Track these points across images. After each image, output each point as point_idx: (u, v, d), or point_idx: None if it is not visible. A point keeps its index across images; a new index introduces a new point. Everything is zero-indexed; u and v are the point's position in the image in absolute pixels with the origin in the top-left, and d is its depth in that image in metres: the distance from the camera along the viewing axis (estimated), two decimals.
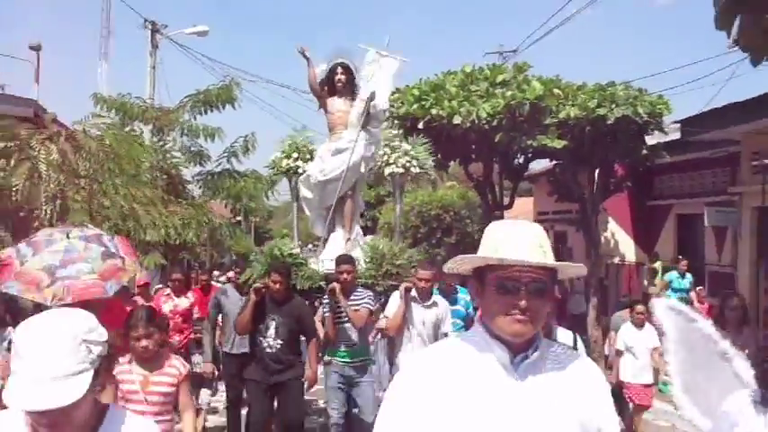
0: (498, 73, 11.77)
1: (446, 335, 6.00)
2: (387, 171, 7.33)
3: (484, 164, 13.43)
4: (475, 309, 7.38)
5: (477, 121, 10.76)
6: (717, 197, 12.53)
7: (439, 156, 11.41)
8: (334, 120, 7.04)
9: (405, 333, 5.99)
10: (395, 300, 6.06)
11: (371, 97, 6.77)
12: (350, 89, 7.03)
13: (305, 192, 7.26)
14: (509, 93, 10.68)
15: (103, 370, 1.82)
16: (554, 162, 12.94)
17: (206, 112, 12.86)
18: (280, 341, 5.72)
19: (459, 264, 1.87)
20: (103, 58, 22.43)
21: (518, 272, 1.72)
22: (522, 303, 1.70)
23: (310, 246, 8.27)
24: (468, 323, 7.27)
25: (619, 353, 7.64)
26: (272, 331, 5.73)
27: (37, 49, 16.04)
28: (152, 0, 61.81)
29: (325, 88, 7.08)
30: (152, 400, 3.94)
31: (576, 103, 10.73)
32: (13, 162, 5.20)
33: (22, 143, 5.35)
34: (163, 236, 7.55)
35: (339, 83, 6.97)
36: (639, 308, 7.68)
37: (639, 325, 7.54)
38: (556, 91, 11.07)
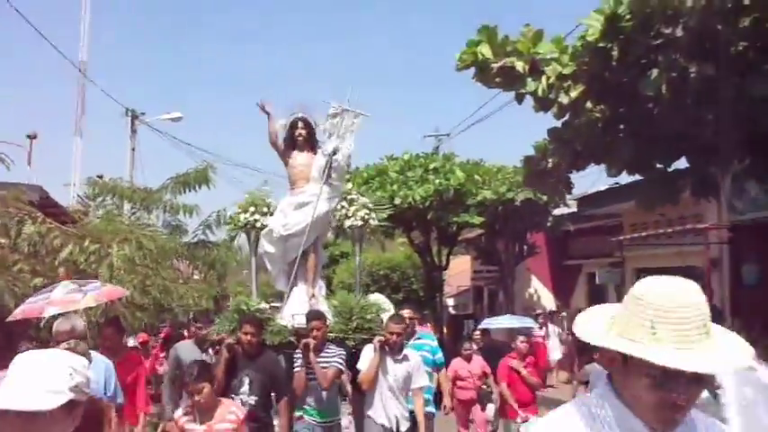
0: (431, 161, 14.82)
1: (420, 389, 6.31)
2: (347, 224, 7.32)
3: (422, 233, 16.38)
4: (443, 352, 8.30)
5: (413, 203, 13.71)
6: (610, 259, 15.64)
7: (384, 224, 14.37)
8: (295, 174, 7.00)
9: (377, 386, 5.97)
10: (368, 353, 6.03)
11: (334, 151, 6.76)
12: (310, 143, 7.02)
13: (267, 246, 7.16)
14: (437, 180, 13.69)
15: (78, 410, 1.85)
16: (477, 232, 15.99)
17: (184, 192, 15.50)
18: (254, 397, 5.63)
19: (608, 343, 1.55)
20: (78, 135, 25.09)
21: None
22: (682, 400, 1.47)
23: (270, 301, 8.23)
24: (435, 370, 7.77)
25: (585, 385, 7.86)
26: (245, 387, 5.65)
27: (33, 137, 18.41)
28: (128, 86, 64.66)
29: (286, 142, 7.09)
30: None
31: (490, 188, 13.78)
32: (92, 256, 7.77)
33: (103, 243, 7.96)
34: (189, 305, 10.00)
35: (300, 137, 6.96)
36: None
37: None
38: (476, 177, 14.12)
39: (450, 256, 18.09)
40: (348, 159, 7.13)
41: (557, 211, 15.26)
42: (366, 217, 7.27)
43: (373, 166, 15.10)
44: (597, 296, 17.20)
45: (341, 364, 5.97)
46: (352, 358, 6.16)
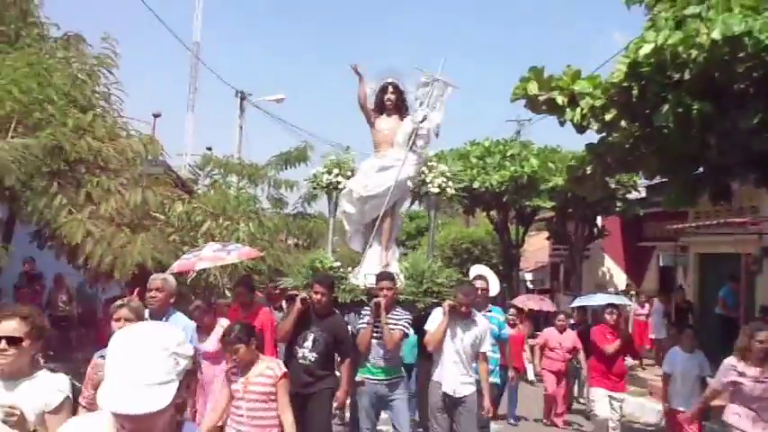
0: (509, 148, 16.45)
1: (484, 354, 6.24)
2: (423, 190, 7.29)
3: (499, 213, 18.09)
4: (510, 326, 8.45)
5: (490, 187, 15.44)
6: (676, 243, 16.86)
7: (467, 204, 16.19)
8: (380, 137, 7.01)
9: (443, 349, 6.02)
10: (436, 315, 6.05)
11: (423, 119, 6.80)
12: (398, 108, 7.02)
13: (346, 206, 7.18)
14: (512, 167, 15.34)
15: (186, 384, 1.88)
16: (551, 214, 17.54)
17: (286, 168, 17.78)
18: (315, 354, 5.71)
19: None
20: (190, 110, 28.01)
21: None
22: None
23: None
24: (500, 344, 7.60)
25: (665, 377, 7.55)
26: (308, 343, 5.74)
27: (157, 116, 21.14)
28: (238, 66, 68.89)
29: (374, 106, 7.11)
30: (251, 398, 4.51)
31: (562, 174, 15.27)
32: (225, 231, 10.05)
33: (233, 220, 10.23)
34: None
35: (389, 102, 6.98)
36: (688, 331, 7.68)
37: (689, 350, 7.40)
38: (550, 164, 15.65)
39: (527, 235, 19.72)
40: (437, 129, 7.02)
41: (630, 196, 16.61)
42: (443, 185, 7.19)
43: (456, 151, 16.88)
44: (666, 277, 18.46)
45: (407, 327, 6.03)
46: (422, 321, 6.21)
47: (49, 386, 2.99)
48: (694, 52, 6.47)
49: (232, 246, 7.18)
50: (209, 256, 6.83)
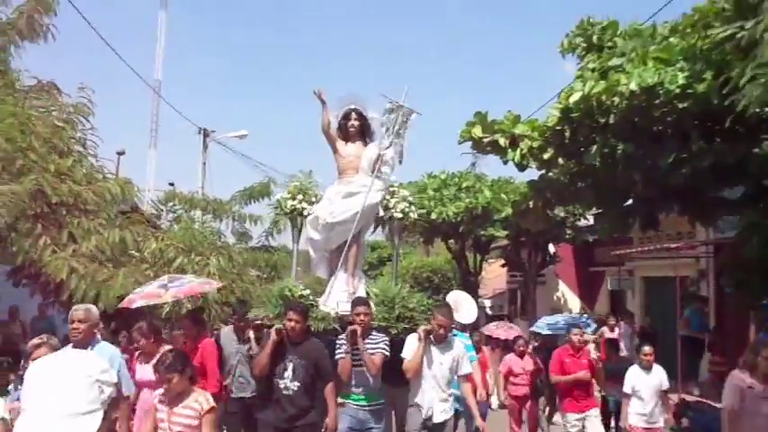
0: (464, 180, 17.37)
1: (467, 375, 6.26)
2: (387, 215, 7.37)
3: (456, 242, 18.98)
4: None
5: (447, 218, 16.32)
6: (624, 267, 17.89)
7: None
8: (344, 163, 7.00)
9: (420, 375, 5.97)
10: (412, 341, 6.03)
11: (389, 145, 6.86)
12: (362, 134, 7.06)
13: (311, 233, 7.13)
14: (467, 199, 16.26)
15: (110, 414, 1.81)
16: (505, 242, 18.49)
17: (249, 203, 18.44)
18: (297, 383, 5.59)
19: None
20: (153, 147, 28.51)
21: None
22: None
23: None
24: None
25: (626, 396, 7.58)
26: (288, 373, 5.62)
27: (121, 153, 21.61)
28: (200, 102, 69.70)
29: (338, 132, 7.13)
30: (174, 430, 4.34)
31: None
32: (197, 265, 10.67)
33: (204, 255, 10.84)
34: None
35: (352, 128, 7.00)
36: (646, 349, 7.67)
37: (647, 368, 7.53)
38: (503, 195, 16.60)
39: (485, 263, 20.64)
40: (401, 155, 7.04)
41: (580, 224, 17.65)
42: (406, 209, 7.33)
43: (414, 183, 17.75)
44: (617, 300, 19.49)
45: (386, 349, 5.98)
46: (394, 349, 6.10)
47: None
48: (617, 99, 7.40)
49: (177, 282, 7.06)
50: (146, 293, 6.84)
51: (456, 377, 6.21)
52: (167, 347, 6.09)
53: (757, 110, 5.39)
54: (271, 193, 18.67)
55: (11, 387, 5.97)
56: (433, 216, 16.40)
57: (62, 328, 11.32)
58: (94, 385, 1.76)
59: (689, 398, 9.10)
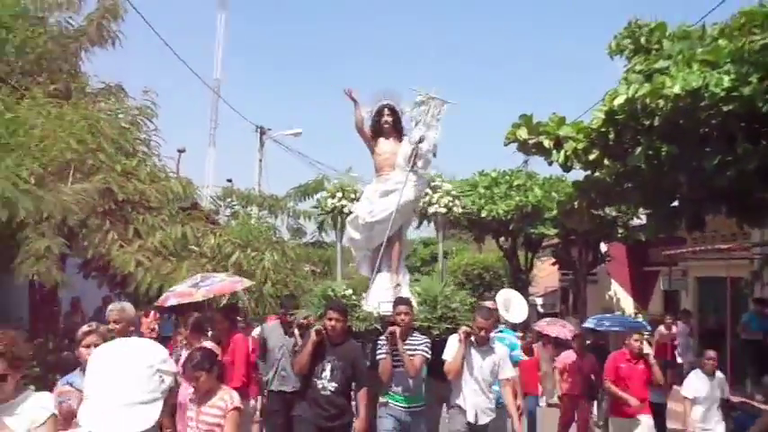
0: (515, 178, 17.49)
1: (508, 380, 6.24)
2: (430, 210, 7.34)
3: (507, 240, 19.10)
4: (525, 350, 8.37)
5: (497, 216, 16.48)
6: (677, 267, 17.75)
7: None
8: (380, 161, 6.96)
9: (462, 377, 5.95)
10: (453, 343, 5.99)
11: (420, 139, 6.65)
12: (396, 130, 6.96)
13: (352, 232, 7.15)
14: (518, 197, 16.38)
15: (169, 401, 1.89)
16: (557, 240, 18.53)
17: (304, 200, 18.94)
18: (334, 384, 5.64)
19: None
20: (212, 145, 29.36)
21: None
22: None
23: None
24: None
25: (688, 402, 7.47)
26: (327, 373, 5.67)
27: (182, 151, 22.43)
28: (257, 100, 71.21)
29: (372, 129, 7.05)
30: (202, 428, 4.43)
31: None
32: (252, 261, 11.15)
33: (259, 251, 11.31)
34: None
35: (386, 124, 6.91)
36: (711, 353, 7.63)
37: (709, 373, 7.49)
38: (554, 194, 16.66)
39: (536, 260, 20.69)
40: (435, 148, 6.85)
41: (633, 223, 17.57)
42: (450, 204, 7.27)
43: (465, 181, 17.96)
44: (671, 300, 19.32)
45: (426, 351, 5.95)
46: (437, 348, 6.09)
47: (34, 405, 3.08)
48: (661, 102, 7.51)
49: (208, 281, 7.18)
50: (181, 292, 6.97)
51: (498, 380, 6.20)
52: (205, 342, 6.22)
53: None
54: (325, 189, 19.10)
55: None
56: (483, 214, 16.57)
57: None
58: (156, 375, 1.78)
59: (734, 398, 9.03)
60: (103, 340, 3.99)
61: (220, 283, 7.20)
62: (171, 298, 6.92)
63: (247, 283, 8.09)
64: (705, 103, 7.31)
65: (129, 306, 5.48)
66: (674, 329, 14.97)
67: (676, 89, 7.20)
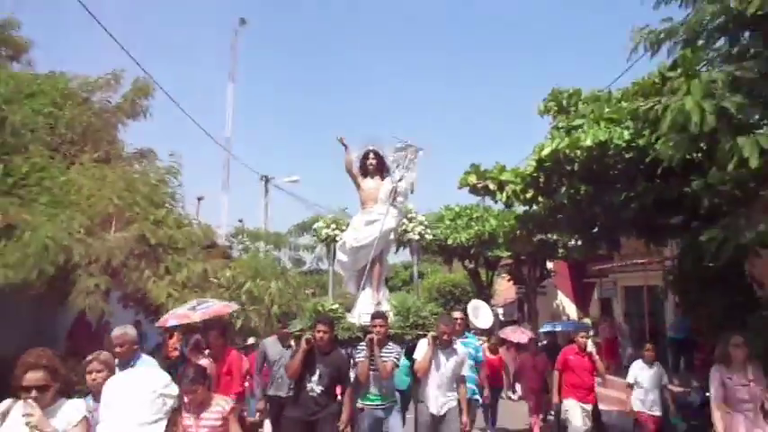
0: (474, 212, 18.01)
1: (463, 376, 6.25)
2: (407, 237, 7.54)
3: (470, 262, 19.56)
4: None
5: (460, 243, 16.95)
6: (608, 278, 18.25)
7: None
8: (365, 196, 7.16)
9: (428, 374, 5.99)
10: (422, 346, 6.06)
11: (400, 179, 6.95)
12: (379, 170, 7.20)
13: (341, 256, 7.26)
14: (476, 227, 16.88)
15: (172, 422, 1.84)
16: (510, 261, 19.02)
17: (302, 235, 19.30)
18: (321, 387, 5.65)
19: None
20: (225, 192, 29.67)
21: None
22: None
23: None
24: (477, 367, 7.47)
25: (629, 386, 7.70)
26: (316, 377, 5.67)
27: (201, 198, 22.72)
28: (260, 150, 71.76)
29: (359, 169, 7.27)
30: None
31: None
32: (261, 288, 11.46)
33: (267, 279, 11.65)
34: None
35: (371, 166, 7.17)
36: (649, 345, 7.82)
37: (650, 362, 7.65)
38: (506, 223, 17.16)
39: (495, 277, 21.14)
40: (412, 186, 7.11)
41: (571, 243, 18.08)
42: (422, 232, 7.53)
43: (433, 214, 18.43)
44: (606, 306, 19.82)
45: (397, 359, 6.04)
46: (411, 350, 6.23)
47: (69, 409, 3.10)
48: (578, 152, 8.01)
49: (204, 304, 7.21)
50: (180, 314, 6.93)
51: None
52: (202, 360, 6.15)
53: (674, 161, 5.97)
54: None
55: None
56: (450, 241, 17.03)
57: (151, 341, 11.73)
58: (159, 399, 1.84)
59: (675, 389, 9.38)
60: (106, 365, 4.10)
61: (214, 307, 7.21)
62: (171, 319, 6.88)
63: (235, 306, 8.15)
64: (611, 152, 7.82)
65: (130, 328, 5.29)
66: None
67: (588, 142, 7.72)
